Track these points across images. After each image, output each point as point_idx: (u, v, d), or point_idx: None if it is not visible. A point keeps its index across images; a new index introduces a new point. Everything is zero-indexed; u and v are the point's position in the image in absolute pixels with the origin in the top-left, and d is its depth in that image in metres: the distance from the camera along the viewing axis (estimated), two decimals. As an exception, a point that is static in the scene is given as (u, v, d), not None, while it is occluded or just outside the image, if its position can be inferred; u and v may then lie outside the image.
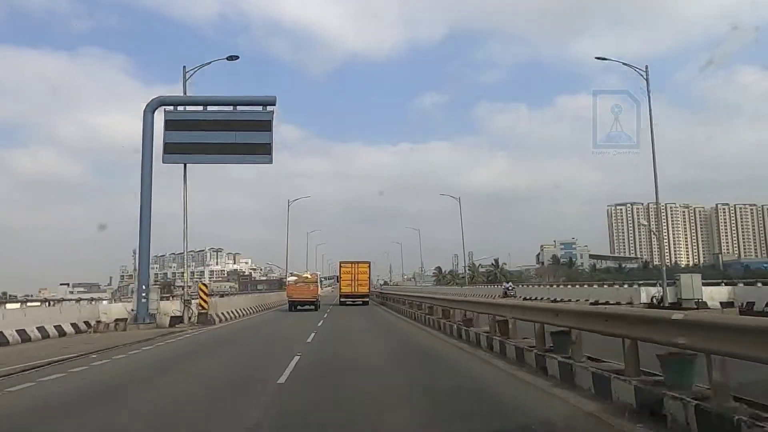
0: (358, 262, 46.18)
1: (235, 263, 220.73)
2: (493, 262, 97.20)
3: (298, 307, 35.07)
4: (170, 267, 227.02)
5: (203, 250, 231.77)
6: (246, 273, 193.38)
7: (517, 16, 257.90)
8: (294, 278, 38.39)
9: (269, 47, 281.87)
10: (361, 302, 44.40)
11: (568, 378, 8.17)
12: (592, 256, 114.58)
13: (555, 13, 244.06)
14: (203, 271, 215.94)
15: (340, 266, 46.55)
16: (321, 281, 50.96)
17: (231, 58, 26.88)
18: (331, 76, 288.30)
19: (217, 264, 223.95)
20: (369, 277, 47.49)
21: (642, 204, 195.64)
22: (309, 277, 38.48)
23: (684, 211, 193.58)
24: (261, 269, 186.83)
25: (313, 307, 35.05)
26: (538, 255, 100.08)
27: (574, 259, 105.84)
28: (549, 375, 8.81)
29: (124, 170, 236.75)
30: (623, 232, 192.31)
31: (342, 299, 45.05)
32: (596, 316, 8.04)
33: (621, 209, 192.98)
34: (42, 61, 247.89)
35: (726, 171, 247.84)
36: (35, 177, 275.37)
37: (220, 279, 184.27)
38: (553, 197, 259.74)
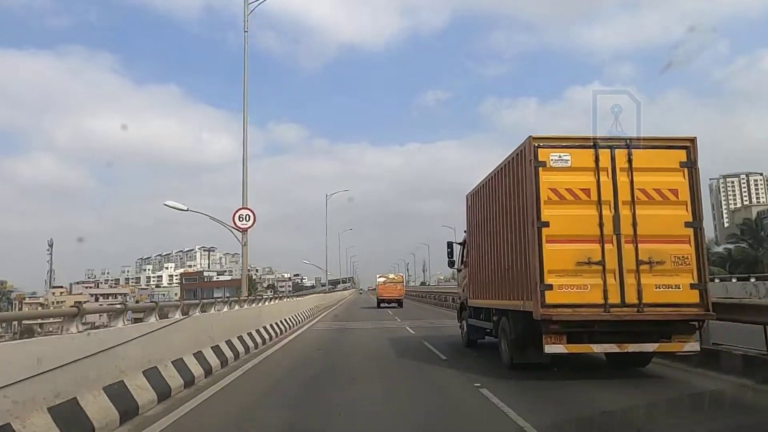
0: None
1: (227, 263, 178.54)
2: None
3: (382, 305, 37.74)
4: (144, 270, 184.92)
5: (192, 249, 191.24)
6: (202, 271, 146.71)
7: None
8: (383, 279, 40.72)
9: (260, 39, 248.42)
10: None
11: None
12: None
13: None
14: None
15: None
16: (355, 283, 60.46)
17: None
18: (329, 71, 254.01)
19: (207, 264, 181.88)
20: None
21: (761, 175, 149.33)
22: (395, 278, 41.44)
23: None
24: (258, 270, 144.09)
25: (397, 304, 37.41)
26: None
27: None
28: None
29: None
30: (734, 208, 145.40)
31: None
32: None
33: (732, 181, 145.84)
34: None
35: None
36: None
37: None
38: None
